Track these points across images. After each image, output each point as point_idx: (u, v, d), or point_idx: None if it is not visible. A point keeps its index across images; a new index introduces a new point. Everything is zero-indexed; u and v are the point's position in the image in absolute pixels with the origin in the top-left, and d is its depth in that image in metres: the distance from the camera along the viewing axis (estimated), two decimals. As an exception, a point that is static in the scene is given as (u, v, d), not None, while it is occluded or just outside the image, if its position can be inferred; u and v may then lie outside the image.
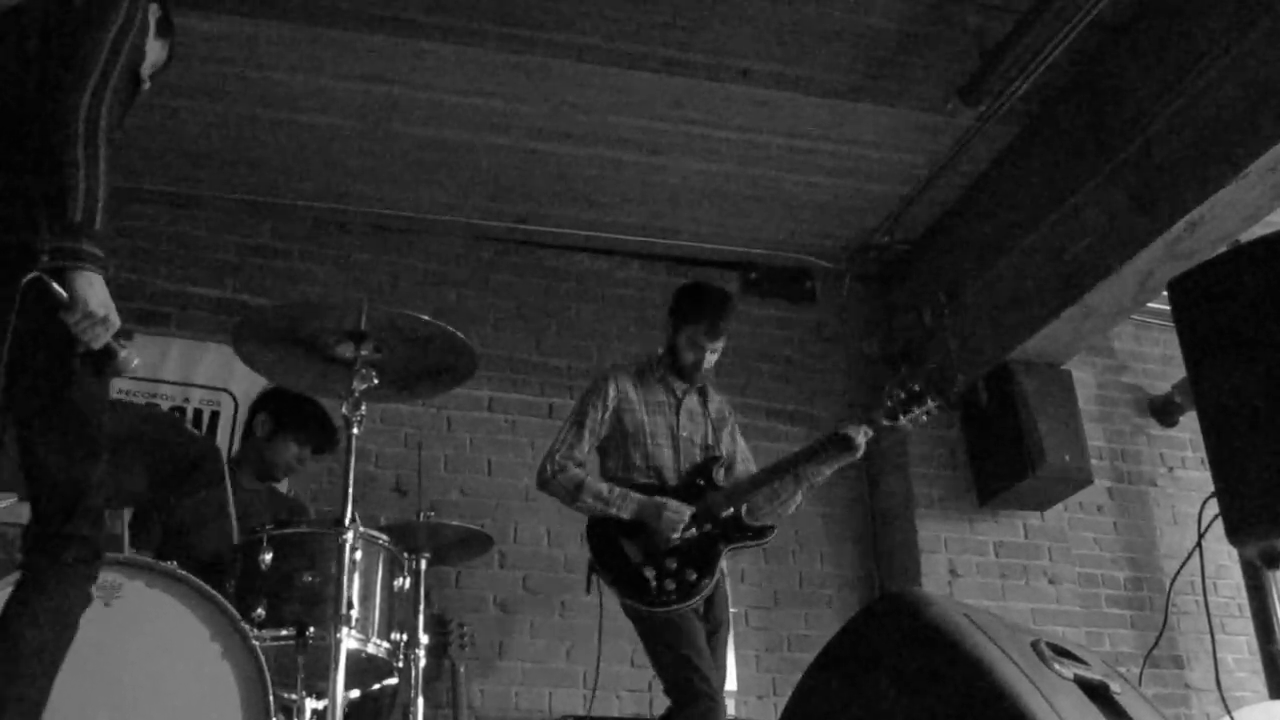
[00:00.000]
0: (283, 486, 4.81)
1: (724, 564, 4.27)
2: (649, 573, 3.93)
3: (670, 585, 3.91)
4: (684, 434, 4.25)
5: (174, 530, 4.24)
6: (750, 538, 4.15)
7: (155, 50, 2.80)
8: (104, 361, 2.37)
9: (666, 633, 3.88)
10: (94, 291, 2.26)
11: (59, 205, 2.24)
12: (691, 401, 4.34)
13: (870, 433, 4.09)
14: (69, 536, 2.38)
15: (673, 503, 4.01)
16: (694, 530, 4.02)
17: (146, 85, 2.81)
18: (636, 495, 4.05)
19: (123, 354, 2.37)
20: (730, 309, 4.32)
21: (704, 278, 6.46)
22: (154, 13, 2.73)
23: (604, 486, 4.07)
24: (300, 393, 4.35)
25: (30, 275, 2.22)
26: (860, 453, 4.07)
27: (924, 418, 4.17)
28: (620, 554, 3.99)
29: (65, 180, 2.25)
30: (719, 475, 4.20)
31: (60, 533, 2.38)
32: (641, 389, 4.29)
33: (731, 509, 4.12)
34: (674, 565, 3.95)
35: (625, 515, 4.01)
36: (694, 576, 3.95)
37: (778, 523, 4.24)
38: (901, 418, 4.12)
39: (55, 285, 2.23)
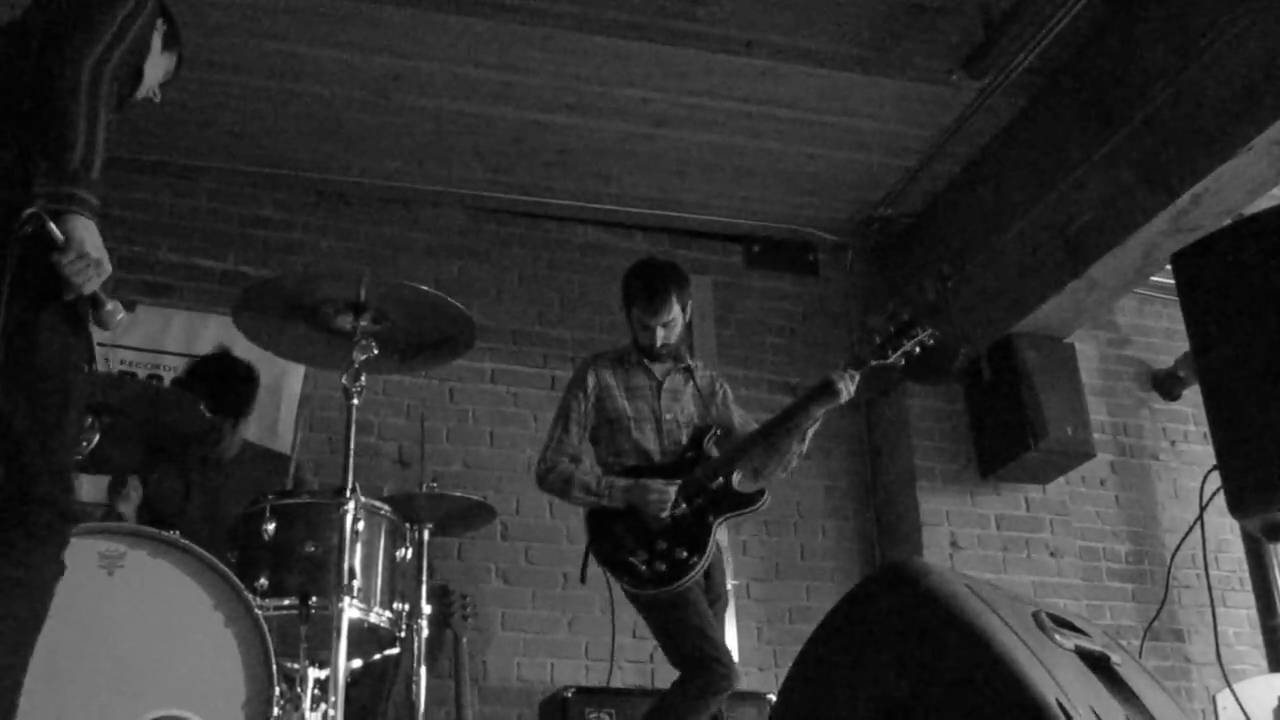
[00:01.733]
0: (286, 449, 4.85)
1: (722, 537, 4.27)
2: (637, 558, 3.93)
3: (661, 567, 3.91)
4: (667, 415, 4.24)
5: (158, 506, 4.27)
6: (743, 506, 4.10)
7: (162, 63, 2.89)
8: (90, 309, 2.36)
9: (674, 610, 3.90)
10: (90, 235, 2.27)
11: (57, 153, 2.24)
12: (674, 381, 4.33)
13: (856, 377, 4.02)
14: (35, 500, 2.28)
15: (655, 483, 4.00)
16: (684, 506, 4.01)
17: (157, 97, 2.91)
18: (621, 482, 4.05)
19: (109, 305, 2.37)
20: (667, 279, 4.23)
21: (707, 250, 6.52)
22: (159, 28, 2.82)
23: (591, 479, 4.09)
24: (197, 368, 4.44)
25: (29, 210, 2.21)
26: (843, 398, 4.00)
27: (916, 349, 4.10)
28: (613, 539, 4.02)
29: (66, 129, 2.25)
30: (711, 447, 4.19)
31: (26, 496, 2.28)
32: (622, 374, 4.30)
33: (720, 479, 4.08)
34: (664, 546, 3.95)
35: (615, 504, 4.03)
36: (684, 554, 3.93)
37: (770, 486, 4.20)
38: (891, 354, 4.08)
39: (51, 225, 2.22)
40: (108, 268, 2.32)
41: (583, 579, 4.16)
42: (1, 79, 2.44)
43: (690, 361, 4.44)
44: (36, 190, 2.23)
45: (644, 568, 3.91)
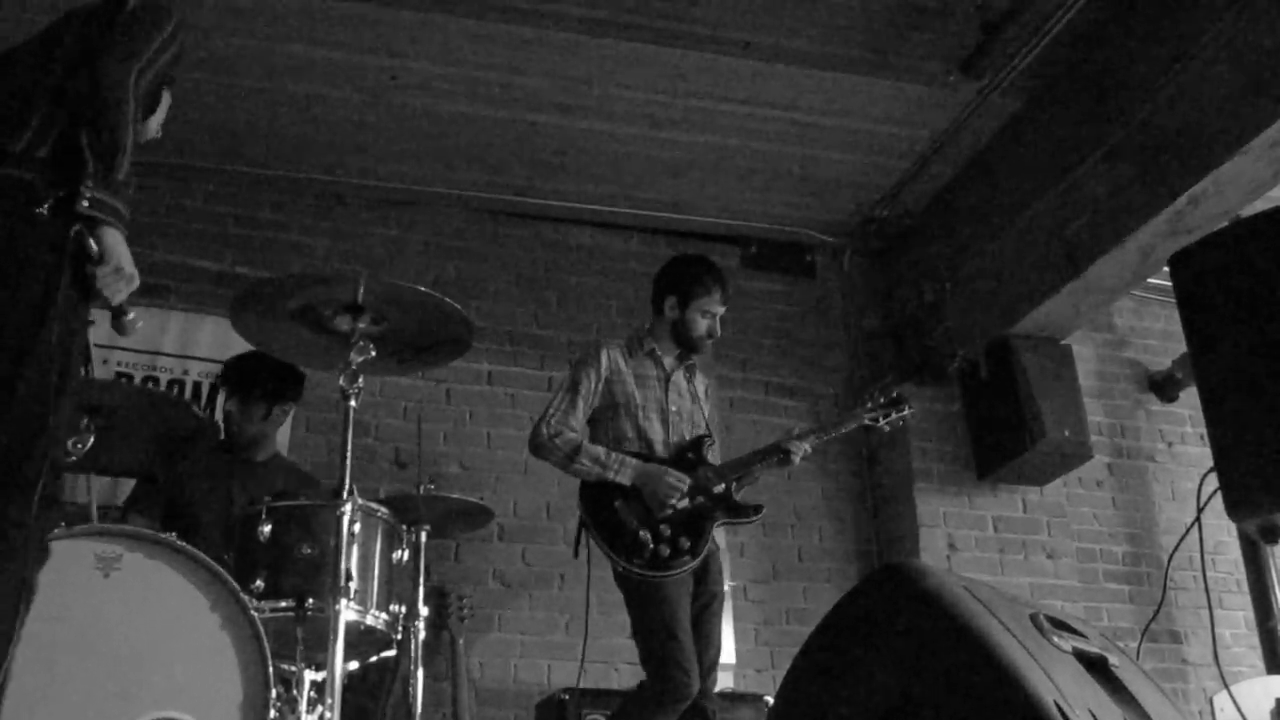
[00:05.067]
0: (284, 450, 4.83)
1: (720, 538, 4.28)
2: (645, 535, 3.94)
3: (665, 551, 3.93)
4: (673, 408, 4.27)
5: (179, 503, 4.26)
6: (740, 515, 4.20)
7: (164, 103, 3.08)
8: (112, 316, 2.51)
9: (654, 602, 3.89)
10: (123, 249, 2.42)
11: (109, 160, 2.38)
12: (679, 378, 4.35)
13: (809, 450, 4.26)
14: (17, 485, 2.26)
15: (673, 470, 4.04)
16: (687, 501, 4.05)
17: (158, 134, 3.11)
18: (634, 460, 4.07)
19: (130, 314, 2.51)
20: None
21: (704, 252, 6.49)
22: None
23: (601, 450, 4.08)
24: (246, 355, 4.34)
25: (75, 228, 2.34)
26: (793, 465, 4.26)
27: (900, 423, 4.56)
28: (615, 517, 4.00)
29: (118, 138, 2.39)
30: (708, 454, 4.23)
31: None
32: (631, 362, 4.30)
33: (723, 485, 4.14)
34: (668, 532, 3.97)
35: (624, 480, 4.02)
36: (687, 544, 3.97)
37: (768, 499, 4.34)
38: (882, 420, 4.49)
39: (90, 240, 2.36)
40: (137, 282, 2.47)
41: (575, 554, 4.15)
42: (36, 67, 2.54)
43: (694, 363, 4.45)
44: (83, 192, 2.34)
45: (651, 547, 3.93)
